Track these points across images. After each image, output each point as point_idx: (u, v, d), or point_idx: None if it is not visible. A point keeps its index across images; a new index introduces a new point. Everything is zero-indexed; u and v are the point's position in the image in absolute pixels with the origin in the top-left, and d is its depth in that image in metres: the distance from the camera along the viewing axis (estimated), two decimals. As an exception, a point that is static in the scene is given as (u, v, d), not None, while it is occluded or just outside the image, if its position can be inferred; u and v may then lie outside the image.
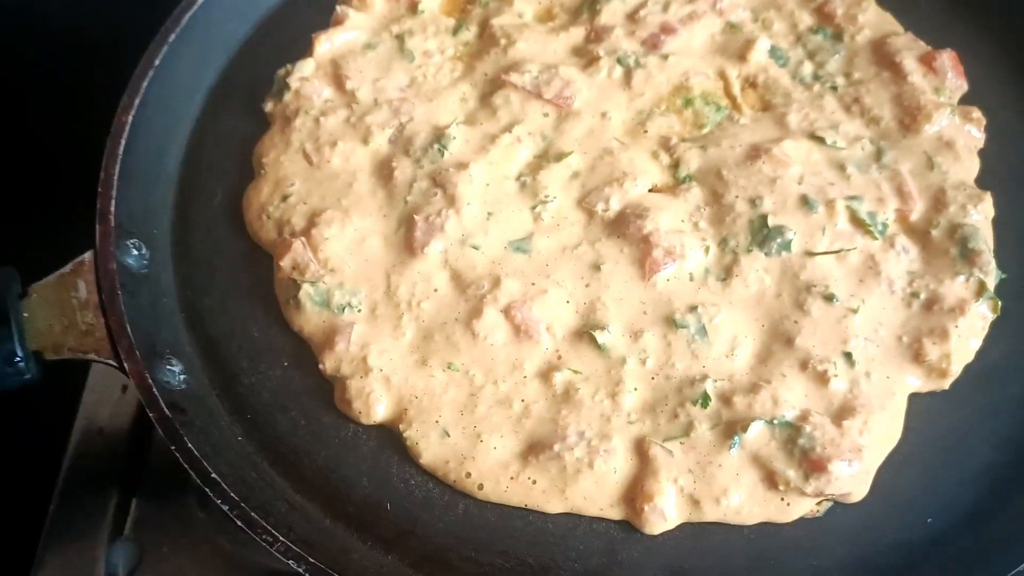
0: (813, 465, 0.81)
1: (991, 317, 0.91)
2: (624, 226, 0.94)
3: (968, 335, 0.90)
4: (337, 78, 1.07)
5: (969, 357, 0.89)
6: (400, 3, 1.14)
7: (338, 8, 1.12)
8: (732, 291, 0.91)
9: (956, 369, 0.88)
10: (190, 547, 1.02)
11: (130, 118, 1.01)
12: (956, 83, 1.05)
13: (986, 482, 0.86)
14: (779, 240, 0.92)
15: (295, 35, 1.13)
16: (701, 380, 0.87)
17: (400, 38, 1.10)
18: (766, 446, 0.83)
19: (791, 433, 0.83)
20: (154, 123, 1.04)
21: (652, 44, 1.08)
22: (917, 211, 0.96)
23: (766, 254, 0.92)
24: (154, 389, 0.85)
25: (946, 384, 0.88)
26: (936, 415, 0.88)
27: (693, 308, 0.90)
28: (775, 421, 0.84)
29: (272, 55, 1.12)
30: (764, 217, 0.94)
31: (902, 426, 0.86)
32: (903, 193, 0.97)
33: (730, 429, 0.84)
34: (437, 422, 0.86)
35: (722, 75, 1.06)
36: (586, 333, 0.89)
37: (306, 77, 1.06)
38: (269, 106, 1.07)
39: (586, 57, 1.08)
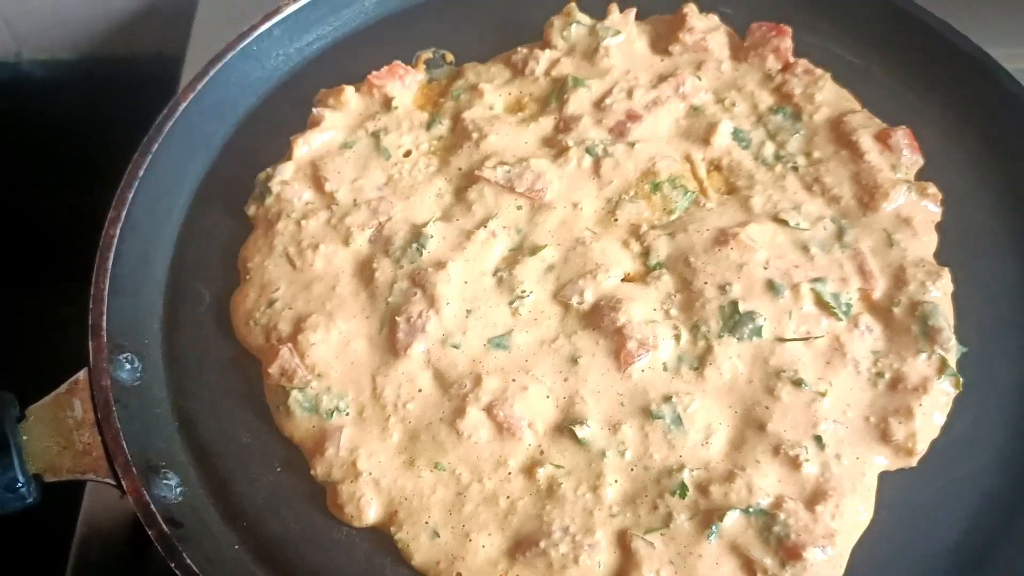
0: (788, 553, 0.85)
1: (954, 393, 0.95)
2: (599, 318, 0.98)
3: (932, 411, 0.93)
4: (316, 180, 1.10)
5: (935, 433, 0.93)
6: (374, 99, 1.18)
7: (314, 110, 1.16)
8: (705, 379, 0.95)
9: (922, 447, 0.92)
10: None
11: (118, 231, 1.04)
12: (912, 159, 1.09)
13: (959, 554, 0.89)
14: (750, 326, 0.96)
15: (274, 134, 1.16)
16: (678, 470, 0.90)
17: (376, 135, 1.14)
18: (743, 534, 0.87)
19: (766, 521, 0.87)
20: (140, 232, 1.07)
21: (619, 132, 1.12)
22: (879, 289, 1.00)
23: (738, 339, 0.96)
24: (152, 506, 0.88)
25: (914, 462, 0.92)
26: (906, 492, 0.91)
27: (668, 398, 0.93)
28: (750, 509, 0.87)
29: (253, 156, 1.15)
30: (735, 303, 0.97)
31: (873, 506, 0.90)
32: (864, 272, 1.00)
33: (708, 518, 0.87)
34: (427, 523, 0.89)
35: (688, 159, 1.11)
36: (566, 428, 0.93)
37: (286, 180, 1.10)
38: (252, 210, 1.10)
39: (556, 147, 1.12)
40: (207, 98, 1.17)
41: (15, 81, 1.53)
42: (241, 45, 1.19)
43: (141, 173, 1.08)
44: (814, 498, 0.88)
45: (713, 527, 0.87)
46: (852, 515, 0.88)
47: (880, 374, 0.95)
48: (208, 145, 1.18)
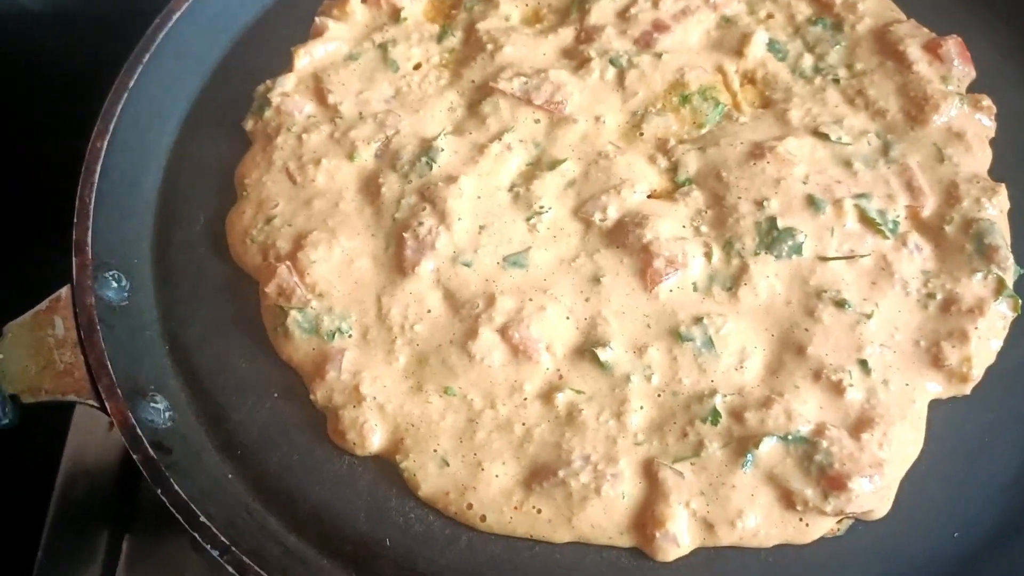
0: (832, 482, 0.77)
1: (1011, 316, 0.87)
2: (623, 236, 0.90)
3: (988, 336, 0.86)
4: (319, 92, 1.03)
5: (991, 359, 0.85)
6: (382, 11, 1.10)
7: (317, 19, 1.08)
8: (739, 300, 0.87)
9: (977, 373, 0.84)
10: (184, 589, 0.99)
11: (105, 143, 0.98)
12: (963, 70, 1.01)
13: (1014, 492, 0.82)
14: (790, 243, 0.88)
15: (273, 51, 1.09)
16: (710, 396, 0.82)
17: (383, 47, 1.06)
18: (781, 464, 0.79)
19: (807, 449, 0.79)
20: (130, 148, 1.00)
21: (645, 42, 1.04)
22: (929, 206, 0.92)
23: (776, 257, 0.88)
24: (137, 429, 0.81)
25: (967, 389, 0.84)
26: (959, 422, 0.84)
27: (698, 319, 0.86)
28: (789, 437, 0.80)
29: (251, 73, 1.08)
30: (772, 219, 0.90)
31: (923, 436, 0.82)
32: (913, 188, 0.92)
33: (742, 447, 0.80)
34: (435, 451, 0.83)
35: (720, 70, 1.02)
36: (588, 350, 0.85)
37: (287, 92, 1.03)
38: (249, 124, 1.03)
39: (577, 59, 1.04)
40: (202, 11, 1.09)
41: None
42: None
43: (131, 84, 1.01)
44: (859, 426, 0.80)
45: (748, 456, 0.79)
46: (901, 445, 0.81)
47: (931, 295, 0.87)
48: (202, 61, 1.11)
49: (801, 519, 0.78)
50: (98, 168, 0.96)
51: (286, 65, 1.06)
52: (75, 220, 0.92)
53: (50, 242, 0.92)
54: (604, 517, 0.79)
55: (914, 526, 0.79)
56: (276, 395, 0.89)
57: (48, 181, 0.96)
